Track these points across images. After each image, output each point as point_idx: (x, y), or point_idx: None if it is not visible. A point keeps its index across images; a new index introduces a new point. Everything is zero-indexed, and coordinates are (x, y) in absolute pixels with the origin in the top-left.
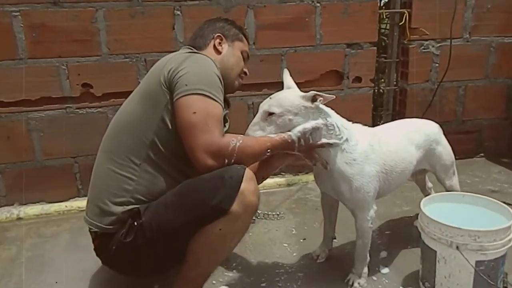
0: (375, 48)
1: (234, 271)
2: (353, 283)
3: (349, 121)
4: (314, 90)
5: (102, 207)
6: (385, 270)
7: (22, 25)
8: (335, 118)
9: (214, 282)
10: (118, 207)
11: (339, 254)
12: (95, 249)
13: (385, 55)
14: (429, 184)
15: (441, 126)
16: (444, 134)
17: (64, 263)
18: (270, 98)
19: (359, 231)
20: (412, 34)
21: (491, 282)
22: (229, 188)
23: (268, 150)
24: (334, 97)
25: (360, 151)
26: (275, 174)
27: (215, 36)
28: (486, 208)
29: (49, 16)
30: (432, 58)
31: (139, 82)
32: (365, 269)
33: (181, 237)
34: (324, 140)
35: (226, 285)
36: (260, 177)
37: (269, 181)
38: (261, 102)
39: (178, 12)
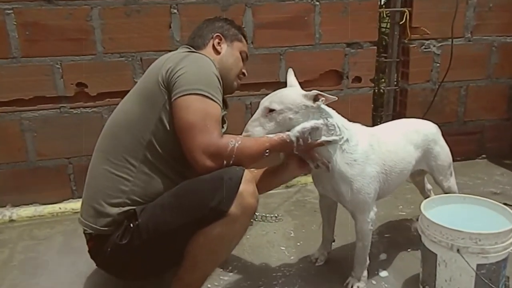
0: (375, 47)
1: (231, 274)
2: (352, 287)
3: (349, 121)
4: (314, 90)
5: (97, 208)
6: (384, 274)
7: (15, 23)
8: (336, 118)
9: (209, 286)
10: (113, 208)
11: (338, 257)
12: (89, 251)
13: (385, 55)
14: (428, 186)
15: (442, 127)
16: (445, 135)
17: (57, 266)
18: (271, 94)
19: (359, 233)
20: (412, 34)
21: (493, 286)
22: (228, 190)
23: (267, 150)
24: (336, 98)
25: (361, 152)
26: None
27: (214, 36)
28: (488, 211)
29: (43, 14)
30: (433, 57)
31: (135, 82)
32: (365, 273)
33: (178, 239)
34: (323, 138)
35: None
36: (266, 188)
37: None
38: (259, 102)
39: (175, 11)
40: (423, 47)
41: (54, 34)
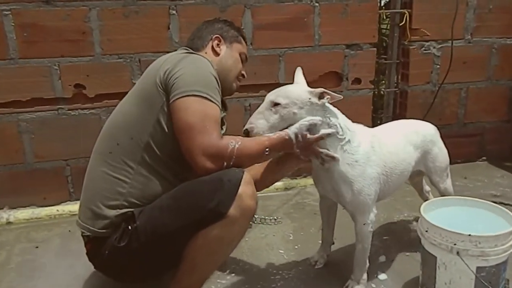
0: (375, 49)
1: (229, 277)
2: None
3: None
4: (320, 88)
5: (95, 210)
6: (383, 277)
7: (13, 24)
8: (340, 118)
9: None
10: (111, 211)
11: (338, 260)
12: (87, 254)
13: (385, 56)
14: (427, 188)
15: (442, 129)
16: (445, 137)
17: (55, 269)
18: (278, 89)
19: (359, 235)
20: (412, 35)
21: None
22: (227, 191)
23: (267, 149)
24: (342, 97)
25: (362, 153)
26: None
27: (213, 37)
28: (488, 213)
29: (41, 15)
30: (433, 59)
31: (133, 83)
32: (364, 275)
33: (177, 241)
34: (322, 131)
35: None
36: (268, 183)
37: None
38: (258, 103)
39: (174, 12)
40: (423, 48)
41: (52, 35)
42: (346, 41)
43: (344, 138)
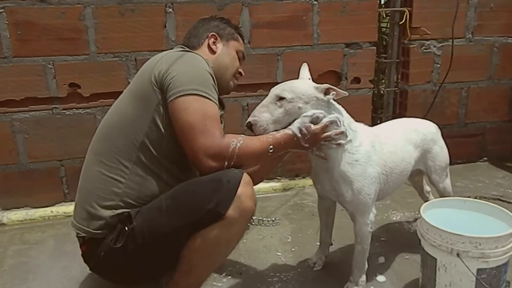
0: (375, 48)
1: (226, 279)
2: None
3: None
4: (326, 84)
5: (90, 210)
6: (381, 278)
7: (6, 22)
8: (344, 116)
9: None
10: (106, 211)
11: (336, 261)
12: (82, 255)
13: (385, 55)
14: (427, 188)
15: (442, 129)
16: (446, 137)
17: (49, 271)
18: (283, 83)
19: (358, 236)
20: (413, 34)
21: None
22: (226, 192)
23: (271, 148)
24: (347, 93)
25: (363, 152)
26: (271, 179)
27: (210, 35)
28: (488, 214)
29: (35, 13)
30: (434, 58)
31: (129, 82)
32: (363, 277)
33: (174, 242)
34: (324, 120)
35: None
36: (266, 172)
37: (264, 185)
38: (256, 103)
39: (170, 10)
40: (424, 47)
41: (47, 33)
42: (345, 40)
43: (347, 136)
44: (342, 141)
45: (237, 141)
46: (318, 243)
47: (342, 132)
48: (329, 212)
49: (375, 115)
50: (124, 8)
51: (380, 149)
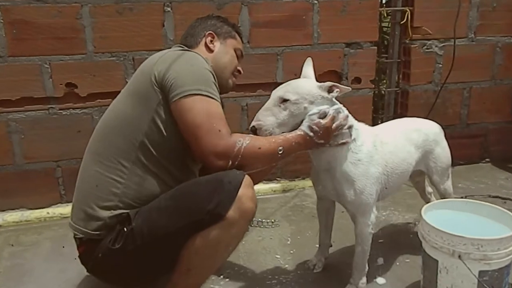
0: (376, 47)
1: (223, 282)
2: None
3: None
4: (328, 81)
5: (88, 211)
6: (381, 281)
7: (2, 21)
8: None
9: None
10: (105, 212)
11: (336, 263)
12: (80, 257)
13: (386, 55)
14: (429, 189)
15: (444, 130)
16: (448, 138)
17: (45, 273)
18: (285, 84)
19: (359, 237)
20: (414, 33)
21: None
22: (227, 193)
23: (280, 149)
24: (350, 89)
25: (366, 152)
26: (270, 180)
27: (207, 34)
28: (490, 216)
29: (31, 11)
30: (435, 58)
31: (127, 82)
32: (364, 279)
33: (174, 243)
34: (331, 111)
35: None
36: (262, 175)
37: (263, 186)
38: (255, 103)
39: (168, 9)
40: (425, 47)
41: (43, 32)
42: (345, 40)
43: (349, 140)
44: (348, 139)
45: (243, 140)
46: (318, 245)
47: (347, 117)
48: (328, 214)
49: (376, 115)
50: (122, 7)
51: (381, 149)
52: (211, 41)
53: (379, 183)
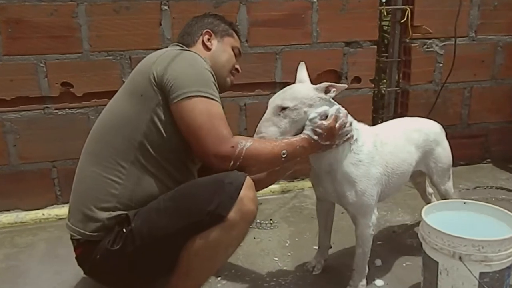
0: (375, 46)
1: (220, 285)
2: None
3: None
4: (324, 82)
5: (86, 212)
6: (379, 283)
7: None
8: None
9: None
10: (103, 213)
11: (335, 265)
12: (77, 258)
13: (386, 54)
14: (430, 190)
15: (445, 130)
16: (448, 138)
17: (40, 275)
18: (281, 92)
19: (360, 238)
20: (414, 32)
21: None
22: (228, 194)
23: (284, 152)
24: (346, 86)
25: (366, 152)
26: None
27: (204, 32)
28: (491, 217)
29: (26, 10)
30: (436, 57)
31: (123, 81)
32: (364, 281)
33: (174, 244)
34: (332, 111)
35: None
36: (266, 182)
37: None
38: (254, 103)
39: (166, 7)
40: (425, 46)
41: (38, 31)
42: (345, 39)
43: (353, 135)
44: (352, 134)
45: (245, 142)
46: (317, 247)
47: (347, 114)
48: (328, 215)
49: (376, 115)
50: (119, 6)
51: (381, 149)
52: (208, 39)
53: (380, 184)
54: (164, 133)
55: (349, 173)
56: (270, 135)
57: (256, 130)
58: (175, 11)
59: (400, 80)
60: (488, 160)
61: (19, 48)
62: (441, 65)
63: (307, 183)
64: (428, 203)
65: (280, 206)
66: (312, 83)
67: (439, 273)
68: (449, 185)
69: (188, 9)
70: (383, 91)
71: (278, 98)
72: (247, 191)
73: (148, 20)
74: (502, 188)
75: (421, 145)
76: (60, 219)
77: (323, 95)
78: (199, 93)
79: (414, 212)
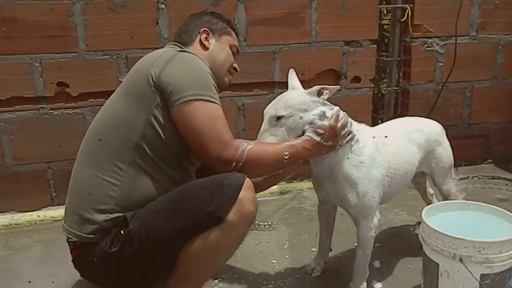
0: (375, 46)
1: (218, 287)
2: None
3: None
4: (315, 86)
5: (83, 214)
6: (378, 286)
7: None
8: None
9: None
10: (100, 215)
11: (335, 267)
12: (73, 261)
13: (386, 54)
14: (430, 191)
15: (446, 130)
16: (449, 138)
17: (35, 277)
18: (274, 102)
19: (361, 240)
20: (414, 31)
21: None
22: (227, 195)
23: (286, 154)
24: (338, 87)
25: (368, 154)
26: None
27: (201, 30)
28: (493, 218)
29: (21, 9)
30: (437, 57)
31: (120, 81)
32: (364, 284)
33: (172, 246)
34: (334, 112)
35: None
36: (266, 185)
37: None
38: (252, 103)
39: (163, 6)
40: (426, 45)
41: (33, 30)
42: (344, 38)
43: (355, 135)
44: (353, 134)
45: (247, 144)
46: (315, 249)
47: (345, 115)
48: (329, 217)
49: (376, 115)
50: (115, 4)
51: (383, 151)
52: (206, 38)
53: (381, 186)
54: (162, 135)
55: (350, 175)
56: None
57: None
58: (172, 10)
59: (400, 80)
60: (490, 160)
61: (13, 47)
62: (441, 64)
63: (306, 184)
64: (429, 204)
65: (279, 207)
66: (310, 83)
67: (439, 275)
68: (451, 185)
69: (186, 8)
70: (383, 91)
71: (272, 108)
72: (246, 192)
73: (144, 19)
74: (493, 178)
75: (423, 145)
76: (56, 220)
77: (316, 98)
78: (200, 96)
79: (414, 213)
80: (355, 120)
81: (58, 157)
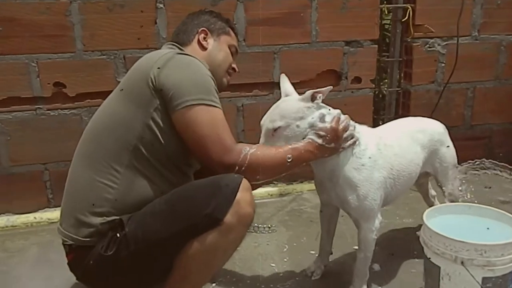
0: (376, 46)
1: None
2: None
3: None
4: (308, 91)
5: (78, 217)
6: None
7: None
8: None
9: None
10: (97, 218)
11: (335, 270)
12: (69, 264)
13: (387, 54)
14: (433, 192)
15: (448, 130)
16: (451, 139)
17: (31, 280)
18: (269, 113)
19: (362, 243)
20: (416, 31)
21: None
22: (224, 197)
23: (289, 157)
24: (332, 87)
25: (369, 156)
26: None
27: (199, 30)
28: (494, 221)
29: (18, 8)
30: (438, 57)
31: (118, 81)
32: (364, 287)
33: (169, 249)
34: (334, 113)
35: None
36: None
37: (260, 190)
38: (252, 103)
39: (161, 5)
40: (427, 46)
41: (30, 30)
42: (345, 38)
43: (358, 138)
44: (356, 137)
45: (249, 148)
46: (315, 251)
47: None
48: (331, 220)
49: (377, 116)
50: (112, 4)
51: (386, 152)
52: (204, 38)
53: (383, 188)
54: (160, 138)
55: (351, 177)
56: None
57: None
58: (170, 9)
59: (402, 80)
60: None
61: (10, 47)
62: (443, 65)
63: (306, 186)
64: (431, 206)
65: (278, 209)
66: (310, 84)
67: (441, 278)
68: (454, 186)
69: (184, 7)
70: (384, 92)
71: (268, 121)
72: (243, 193)
73: (143, 18)
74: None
75: (426, 145)
76: (52, 222)
77: (310, 104)
78: (201, 101)
79: (416, 215)
80: (356, 122)
81: (55, 158)
